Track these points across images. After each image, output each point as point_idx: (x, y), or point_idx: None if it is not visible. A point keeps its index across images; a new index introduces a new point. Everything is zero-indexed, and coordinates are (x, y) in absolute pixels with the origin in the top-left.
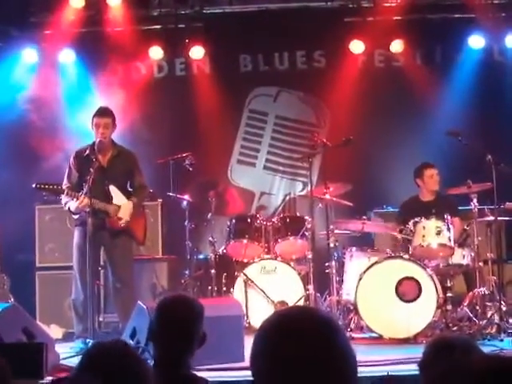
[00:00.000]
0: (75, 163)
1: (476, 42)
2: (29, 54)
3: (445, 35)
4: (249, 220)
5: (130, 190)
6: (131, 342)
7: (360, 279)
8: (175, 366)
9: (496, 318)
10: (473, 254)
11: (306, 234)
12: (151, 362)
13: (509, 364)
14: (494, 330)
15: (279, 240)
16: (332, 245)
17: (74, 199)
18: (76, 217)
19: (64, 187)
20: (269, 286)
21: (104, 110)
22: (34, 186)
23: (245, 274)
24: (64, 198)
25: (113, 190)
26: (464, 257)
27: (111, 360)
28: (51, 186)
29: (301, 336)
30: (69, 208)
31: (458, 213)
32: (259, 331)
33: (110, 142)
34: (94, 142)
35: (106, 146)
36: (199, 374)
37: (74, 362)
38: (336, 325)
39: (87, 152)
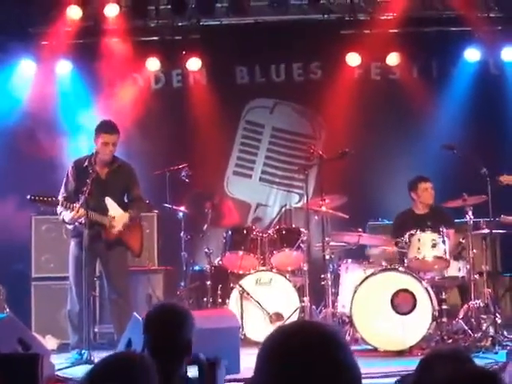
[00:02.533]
0: (73, 173)
1: (472, 55)
2: (26, 65)
3: (441, 48)
4: (245, 232)
5: (126, 202)
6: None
7: (355, 291)
8: (167, 375)
9: (491, 331)
10: (468, 267)
11: (302, 245)
12: None
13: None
14: (488, 342)
15: (275, 252)
16: (327, 257)
17: (69, 210)
18: (70, 227)
19: (60, 198)
20: (264, 298)
21: (112, 126)
22: (28, 197)
23: (240, 286)
24: (59, 208)
25: (109, 202)
26: (459, 269)
27: (124, 372)
28: (45, 198)
29: (305, 352)
30: (63, 218)
31: (452, 225)
32: (262, 348)
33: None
34: (92, 154)
35: (106, 159)
36: None
37: (69, 373)
38: (341, 339)
39: (86, 163)
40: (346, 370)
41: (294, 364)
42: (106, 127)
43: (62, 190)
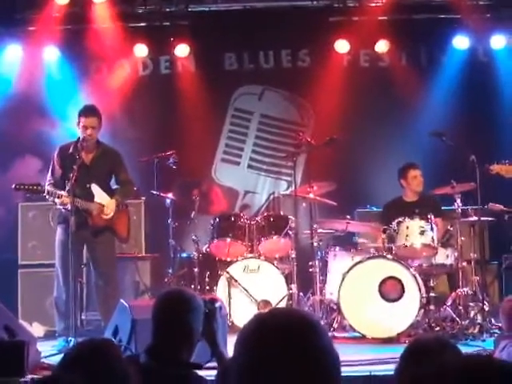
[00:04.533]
0: (58, 159)
1: (461, 42)
2: (13, 51)
3: (430, 36)
4: (232, 219)
5: (112, 188)
6: (113, 340)
7: (343, 279)
8: (168, 362)
9: (479, 318)
10: (456, 254)
11: (290, 233)
12: (147, 358)
13: (483, 364)
14: (476, 330)
15: (263, 239)
16: (316, 244)
17: (55, 197)
18: (60, 209)
19: (46, 186)
20: (252, 285)
21: (91, 109)
22: (13, 186)
23: (228, 273)
24: (48, 197)
25: (95, 188)
26: (447, 257)
27: (93, 359)
28: (31, 187)
29: (282, 338)
30: (53, 201)
31: (441, 213)
32: (240, 335)
33: (95, 140)
34: (78, 139)
35: (90, 145)
36: None
37: (56, 360)
38: (318, 325)
39: (71, 150)
40: (321, 355)
41: (269, 350)
42: (85, 110)
43: (49, 176)
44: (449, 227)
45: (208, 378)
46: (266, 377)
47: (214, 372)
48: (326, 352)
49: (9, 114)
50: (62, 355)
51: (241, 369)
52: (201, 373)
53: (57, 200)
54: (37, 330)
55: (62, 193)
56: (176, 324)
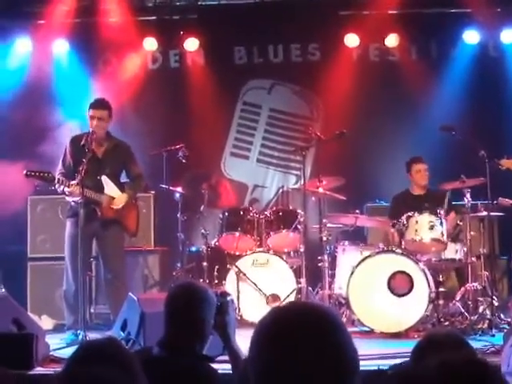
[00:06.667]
0: (71, 149)
1: (471, 37)
2: (22, 44)
3: (440, 30)
4: (241, 213)
5: (122, 181)
6: (122, 333)
7: (352, 273)
8: (181, 354)
9: (488, 313)
10: (465, 249)
11: (299, 227)
12: (160, 351)
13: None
14: (485, 325)
15: (271, 233)
16: (324, 238)
17: (65, 187)
18: (72, 199)
19: (56, 174)
20: (261, 279)
21: (100, 101)
22: (24, 173)
23: (237, 267)
24: (58, 187)
25: (105, 180)
26: (457, 252)
27: (101, 359)
28: (41, 174)
29: (301, 332)
30: (63, 189)
31: (451, 207)
32: (257, 329)
33: (106, 133)
34: (89, 132)
35: (101, 138)
36: None
37: (65, 353)
38: (338, 319)
39: (83, 142)
40: (341, 349)
41: (288, 345)
42: (93, 102)
43: (60, 166)
44: (458, 222)
45: (220, 372)
46: (284, 373)
47: (226, 365)
48: (345, 346)
49: (19, 106)
50: (69, 352)
51: (260, 365)
52: (213, 365)
53: (66, 189)
54: (46, 322)
55: (72, 182)
56: (189, 316)
